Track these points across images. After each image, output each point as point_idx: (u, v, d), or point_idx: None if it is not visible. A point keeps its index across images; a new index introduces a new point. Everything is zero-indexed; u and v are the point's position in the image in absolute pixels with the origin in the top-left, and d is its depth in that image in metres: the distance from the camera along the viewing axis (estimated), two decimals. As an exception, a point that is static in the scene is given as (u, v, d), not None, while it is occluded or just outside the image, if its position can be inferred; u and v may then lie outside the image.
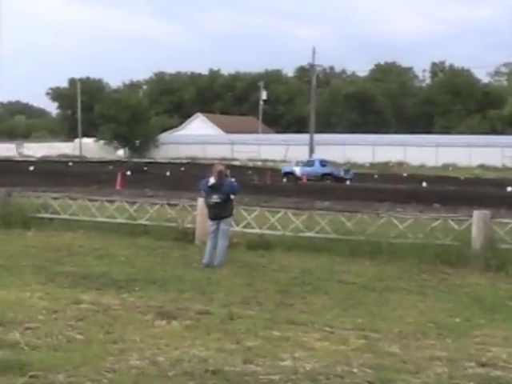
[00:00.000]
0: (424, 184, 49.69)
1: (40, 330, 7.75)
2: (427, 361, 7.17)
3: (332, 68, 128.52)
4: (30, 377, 6.01)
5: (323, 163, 57.10)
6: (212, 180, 13.60)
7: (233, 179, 14.23)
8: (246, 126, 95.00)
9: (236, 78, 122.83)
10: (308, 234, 16.16)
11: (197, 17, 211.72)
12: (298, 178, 53.56)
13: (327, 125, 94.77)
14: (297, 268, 13.51)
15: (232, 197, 13.93)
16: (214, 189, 13.59)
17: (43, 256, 14.09)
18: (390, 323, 9.09)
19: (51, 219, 18.51)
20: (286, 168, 57.86)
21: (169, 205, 17.83)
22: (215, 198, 13.58)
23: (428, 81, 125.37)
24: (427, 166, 74.72)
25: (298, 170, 55.24)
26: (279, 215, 16.66)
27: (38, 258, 13.85)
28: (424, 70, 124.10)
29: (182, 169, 59.94)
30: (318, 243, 15.91)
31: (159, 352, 7.01)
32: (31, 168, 56.29)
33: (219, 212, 13.74)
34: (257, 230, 16.44)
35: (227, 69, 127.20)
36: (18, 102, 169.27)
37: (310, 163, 57.50)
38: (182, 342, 7.49)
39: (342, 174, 54.34)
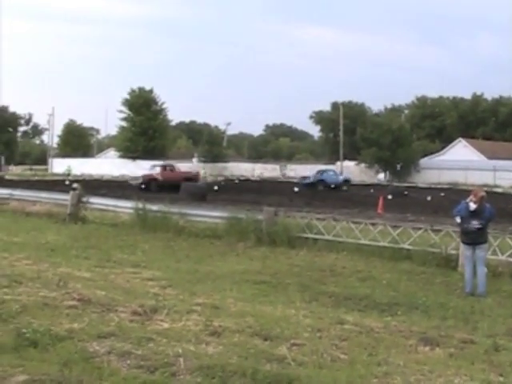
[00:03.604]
0: None
1: (306, 347, 8.00)
2: None
3: None
4: (302, 392, 6.25)
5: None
6: (473, 205, 13.40)
7: (487, 205, 13.85)
8: (509, 152, 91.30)
9: (500, 102, 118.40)
10: None
11: (462, 42, 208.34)
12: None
13: None
14: None
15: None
16: (474, 214, 13.40)
17: (307, 275, 14.53)
18: None
19: (315, 239, 18.95)
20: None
21: (432, 230, 17.61)
22: (476, 224, 13.41)
23: None
24: None
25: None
26: (547, 245, 15.90)
27: (303, 276, 14.33)
28: None
29: (442, 194, 58.71)
30: None
31: (423, 378, 7.00)
32: (296, 189, 58.35)
33: (477, 237, 13.56)
34: (524, 260, 15.81)
35: (491, 93, 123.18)
36: (282, 125, 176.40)
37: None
38: (446, 369, 7.41)
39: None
